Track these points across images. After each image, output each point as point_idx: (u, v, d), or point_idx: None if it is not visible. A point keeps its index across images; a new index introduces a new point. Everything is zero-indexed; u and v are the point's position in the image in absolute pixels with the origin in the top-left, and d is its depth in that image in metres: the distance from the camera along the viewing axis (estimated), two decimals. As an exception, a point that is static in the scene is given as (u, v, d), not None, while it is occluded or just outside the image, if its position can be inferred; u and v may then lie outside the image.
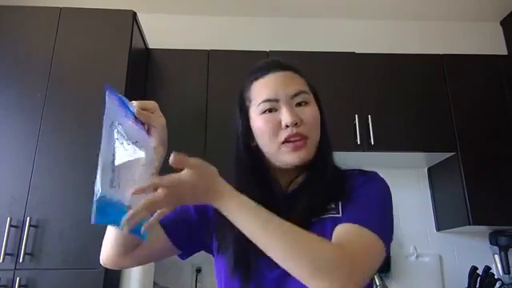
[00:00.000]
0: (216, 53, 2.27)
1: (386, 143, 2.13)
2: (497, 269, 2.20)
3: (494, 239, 2.19)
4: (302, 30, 2.70)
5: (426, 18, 2.74)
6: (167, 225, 0.80)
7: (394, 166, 2.33)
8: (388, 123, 2.16)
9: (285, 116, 0.72)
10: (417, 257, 2.24)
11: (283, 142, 0.73)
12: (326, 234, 0.67)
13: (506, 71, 2.30)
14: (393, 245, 0.90)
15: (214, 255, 0.82)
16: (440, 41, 2.67)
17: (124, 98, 0.65)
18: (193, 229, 0.82)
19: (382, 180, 0.76)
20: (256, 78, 0.78)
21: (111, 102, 0.60)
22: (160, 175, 0.71)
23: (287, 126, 0.72)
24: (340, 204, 0.71)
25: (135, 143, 0.62)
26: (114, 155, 0.57)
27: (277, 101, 0.74)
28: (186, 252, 0.84)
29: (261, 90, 0.77)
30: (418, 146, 2.17)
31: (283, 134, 0.73)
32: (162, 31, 2.55)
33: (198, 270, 2.15)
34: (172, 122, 2.51)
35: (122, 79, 1.87)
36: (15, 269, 1.59)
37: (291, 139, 0.72)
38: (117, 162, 0.57)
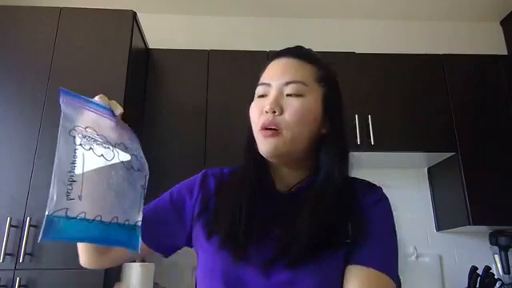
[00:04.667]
0: (216, 53, 2.27)
1: (385, 143, 2.13)
2: (497, 269, 2.20)
3: (494, 239, 2.18)
4: (302, 30, 2.70)
5: (425, 18, 2.74)
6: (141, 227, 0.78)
7: (394, 165, 2.33)
8: (388, 123, 2.16)
9: (267, 101, 0.70)
10: (417, 257, 2.24)
11: (260, 129, 0.70)
12: (338, 260, 0.66)
13: (506, 71, 2.30)
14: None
15: (196, 246, 0.77)
16: (440, 41, 2.67)
17: (96, 100, 0.61)
18: (168, 227, 0.77)
19: (389, 203, 0.73)
20: (268, 63, 0.76)
21: (69, 105, 0.56)
22: None
23: (266, 112, 0.69)
24: (349, 227, 0.67)
25: (117, 145, 0.57)
26: (73, 163, 0.52)
27: (269, 86, 0.72)
28: (164, 252, 0.80)
29: (263, 74, 0.75)
30: (418, 146, 2.16)
31: (261, 120, 0.70)
32: (162, 31, 2.55)
33: (198, 270, 2.15)
34: (172, 122, 2.49)
35: (122, 79, 1.87)
36: (15, 269, 1.59)
37: (266, 127, 0.68)
38: (78, 171, 0.52)
